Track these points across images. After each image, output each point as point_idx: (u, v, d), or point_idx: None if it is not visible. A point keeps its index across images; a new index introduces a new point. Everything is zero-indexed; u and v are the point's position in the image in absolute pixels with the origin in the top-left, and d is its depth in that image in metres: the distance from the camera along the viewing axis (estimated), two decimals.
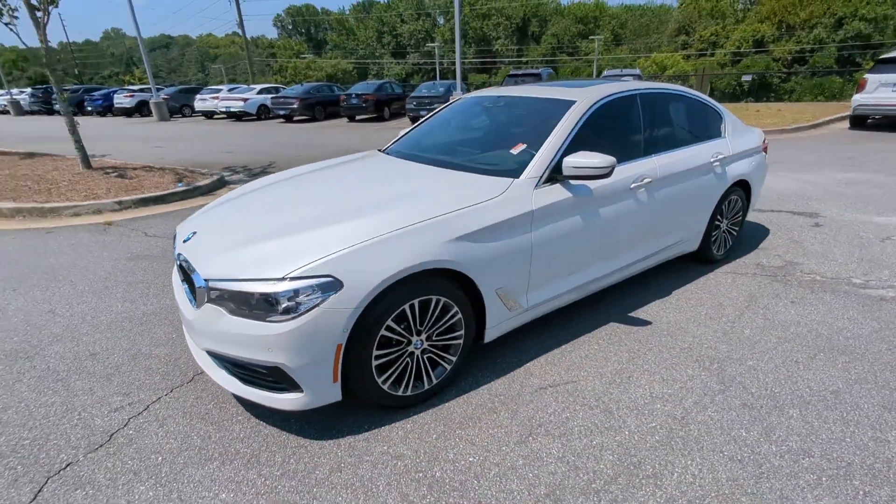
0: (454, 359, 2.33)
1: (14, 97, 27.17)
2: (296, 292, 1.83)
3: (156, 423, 2.16)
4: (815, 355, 2.61)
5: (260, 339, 1.85)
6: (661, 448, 1.98)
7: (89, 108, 24.87)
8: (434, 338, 2.23)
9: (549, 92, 3.08)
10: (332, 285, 1.85)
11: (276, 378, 1.91)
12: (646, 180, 2.92)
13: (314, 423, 2.15)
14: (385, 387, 2.10)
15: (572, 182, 2.56)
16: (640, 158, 2.99)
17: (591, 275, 2.84)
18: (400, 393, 2.17)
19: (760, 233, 4.60)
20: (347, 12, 67.76)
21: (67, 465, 1.93)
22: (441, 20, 59.19)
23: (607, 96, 2.93)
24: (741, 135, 3.85)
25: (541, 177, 2.48)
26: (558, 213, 2.50)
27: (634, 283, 3.53)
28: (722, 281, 3.57)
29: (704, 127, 3.57)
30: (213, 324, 1.95)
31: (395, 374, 2.14)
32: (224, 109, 19.84)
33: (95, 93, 25.28)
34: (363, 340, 1.95)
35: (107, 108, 24.47)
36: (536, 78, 14.35)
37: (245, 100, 19.31)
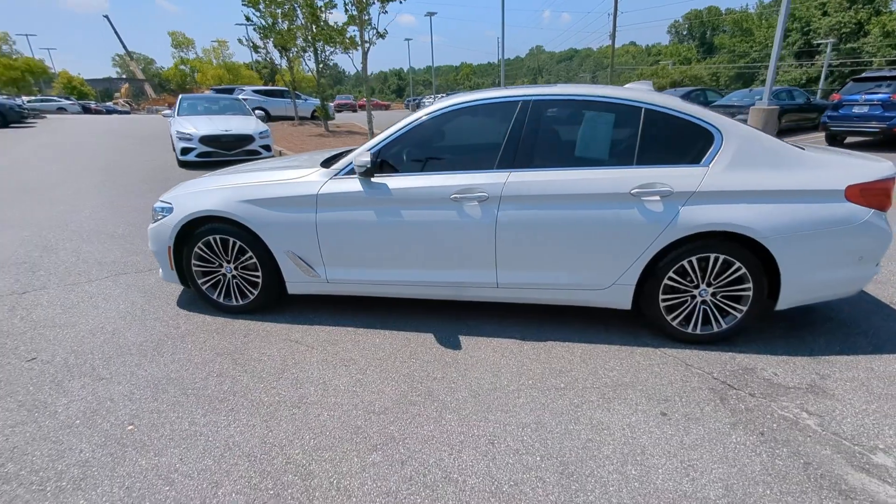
0: (256, 292, 3.10)
1: (415, 100, 38.91)
2: (162, 209, 3.14)
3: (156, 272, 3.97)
4: (525, 462, 1.91)
5: (147, 232, 3.27)
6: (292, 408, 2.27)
7: None
8: (240, 270, 3.09)
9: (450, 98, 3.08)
10: (169, 210, 3.06)
11: (154, 256, 3.31)
12: (478, 194, 2.61)
13: (196, 305, 3.43)
14: (204, 288, 3.17)
15: (373, 179, 2.75)
16: (483, 171, 2.65)
17: (410, 277, 2.86)
18: (215, 298, 3.18)
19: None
20: (753, 10, 58.81)
21: (107, 277, 3.94)
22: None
23: (463, 102, 2.74)
24: (770, 166, 2.45)
25: (342, 169, 2.82)
26: (346, 202, 2.78)
27: (529, 314, 3.02)
28: (632, 361, 2.57)
29: (660, 147, 2.54)
30: None
31: (211, 283, 3.16)
32: None
33: None
34: (186, 251, 3.08)
35: None
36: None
37: None
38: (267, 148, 9.93)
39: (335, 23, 12.83)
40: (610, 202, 2.53)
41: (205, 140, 9.28)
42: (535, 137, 2.67)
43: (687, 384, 2.36)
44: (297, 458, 1.92)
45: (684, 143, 2.57)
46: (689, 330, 2.68)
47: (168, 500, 1.71)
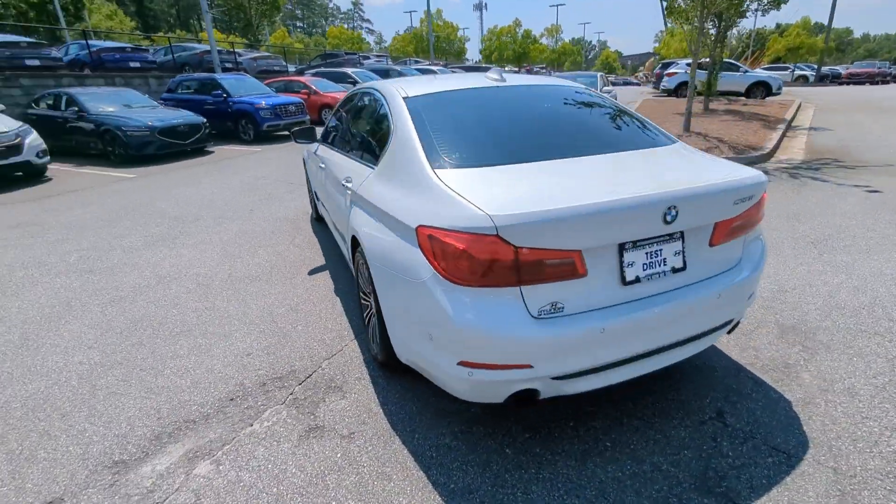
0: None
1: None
2: None
3: None
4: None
5: None
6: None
7: None
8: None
9: None
10: None
11: None
12: (325, 160, 3.32)
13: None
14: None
15: (321, 146, 3.84)
16: (331, 146, 3.38)
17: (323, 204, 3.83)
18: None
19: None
20: None
21: (196, 221, 6.42)
22: None
23: (351, 93, 3.43)
24: (396, 179, 1.98)
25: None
26: (313, 158, 4.00)
27: None
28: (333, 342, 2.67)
29: (376, 140, 2.49)
30: None
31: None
32: None
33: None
34: None
35: None
36: None
37: None
38: None
39: None
40: (336, 186, 2.76)
41: None
42: (342, 122, 3.29)
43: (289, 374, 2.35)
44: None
45: (384, 135, 2.33)
46: (375, 352, 2.45)
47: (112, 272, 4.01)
